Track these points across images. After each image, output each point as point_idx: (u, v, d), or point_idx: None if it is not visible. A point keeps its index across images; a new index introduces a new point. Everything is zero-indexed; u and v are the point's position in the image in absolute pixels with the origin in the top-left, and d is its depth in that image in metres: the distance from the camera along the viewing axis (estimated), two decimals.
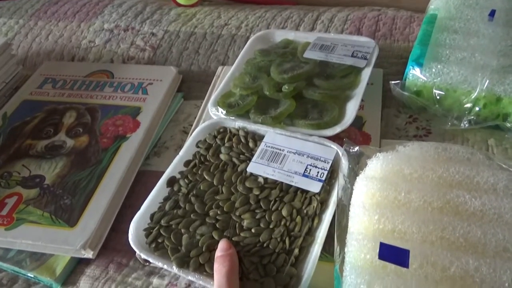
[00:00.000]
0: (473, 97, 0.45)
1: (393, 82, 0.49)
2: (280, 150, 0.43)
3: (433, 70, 0.47)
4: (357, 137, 0.47)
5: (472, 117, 0.46)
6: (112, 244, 0.44)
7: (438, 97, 0.46)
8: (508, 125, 0.44)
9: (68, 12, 0.79)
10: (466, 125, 0.46)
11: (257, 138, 0.46)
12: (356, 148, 0.40)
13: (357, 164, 0.39)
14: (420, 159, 0.36)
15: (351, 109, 0.46)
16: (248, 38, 0.67)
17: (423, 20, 0.65)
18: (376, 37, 0.62)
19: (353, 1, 0.82)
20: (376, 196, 0.34)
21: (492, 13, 0.50)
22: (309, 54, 0.53)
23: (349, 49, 0.52)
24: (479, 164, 0.35)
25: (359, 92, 0.47)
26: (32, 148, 0.52)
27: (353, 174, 0.38)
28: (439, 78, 0.46)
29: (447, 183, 0.34)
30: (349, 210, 0.36)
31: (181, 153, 0.47)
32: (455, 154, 0.36)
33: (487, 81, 0.44)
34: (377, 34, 0.63)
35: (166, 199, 0.43)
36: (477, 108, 0.46)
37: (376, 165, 0.37)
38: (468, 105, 0.45)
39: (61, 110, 0.57)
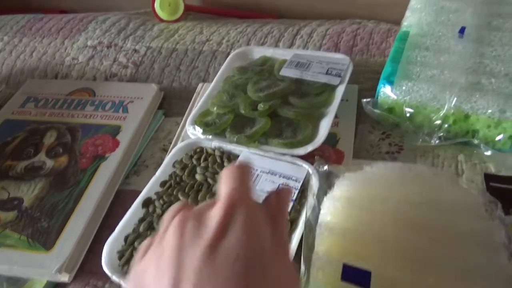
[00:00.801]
0: (442, 114, 0.46)
1: (365, 100, 0.50)
2: (254, 170, 0.44)
3: (404, 88, 0.47)
4: (330, 155, 0.48)
5: (442, 133, 0.47)
6: (89, 266, 0.45)
7: (408, 115, 0.47)
8: (476, 141, 0.45)
9: (53, 28, 0.79)
10: (437, 141, 0.47)
11: (233, 157, 0.47)
12: (326, 167, 0.40)
13: (326, 183, 0.39)
14: (385, 179, 0.37)
15: (324, 127, 0.47)
16: (228, 54, 0.67)
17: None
18: (353, 52, 0.63)
19: (334, 14, 0.84)
20: (341, 216, 0.35)
21: (462, 30, 0.51)
22: (285, 72, 0.54)
23: (324, 67, 0.53)
24: (442, 185, 0.36)
25: (332, 110, 0.48)
26: (12, 169, 0.53)
27: (322, 193, 0.39)
28: (409, 96, 0.47)
29: (410, 204, 0.35)
30: (315, 230, 0.36)
31: (157, 173, 0.48)
32: (420, 174, 0.37)
33: (455, 98, 0.45)
34: (354, 49, 0.64)
35: (141, 220, 0.44)
36: (446, 125, 0.47)
37: (343, 185, 0.38)
38: (438, 122, 0.46)
39: (42, 130, 0.58)
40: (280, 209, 0.29)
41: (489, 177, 0.42)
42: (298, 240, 0.39)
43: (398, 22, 0.76)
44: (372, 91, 0.55)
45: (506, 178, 0.42)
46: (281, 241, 0.27)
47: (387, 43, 0.64)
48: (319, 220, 0.37)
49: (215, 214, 0.25)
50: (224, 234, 0.24)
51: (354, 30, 0.68)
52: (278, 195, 0.30)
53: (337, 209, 0.36)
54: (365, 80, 0.58)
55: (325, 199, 0.38)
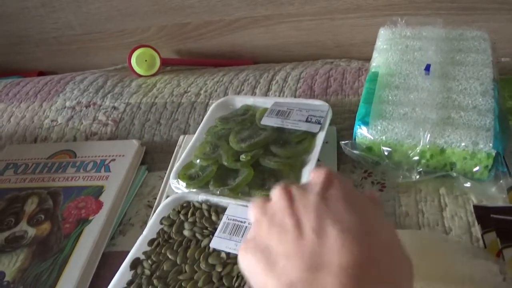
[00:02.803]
0: (418, 150, 0.47)
1: (343, 142, 0.51)
2: (242, 222, 0.44)
3: (379, 127, 0.49)
4: None
5: (421, 168, 0.48)
6: None
7: (387, 153, 0.48)
8: (455, 174, 0.46)
9: (30, 92, 0.80)
10: (417, 176, 0.48)
11: (220, 210, 0.47)
12: None
13: None
14: None
15: (306, 175, 0.47)
16: (207, 104, 0.69)
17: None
18: (328, 93, 0.65)
19: (306, 55, 0.87)
20: None
21: (427, 68, 0.53)
22: (266, 121, 0.55)
23: (304, 114, 0.55)
24: (454, 254, 0.36)
25: (313, 157, 0.49)
26: None
27: None
28: (385, 135, 0.48)
29: (420, 276, 0.34)
30: None
31: (145, 232, 0.47)
32: (431, 243, 0.36)
33: (429, 134, 0.47)
34: (328, 90, 0.66)
35: (129, 283, 0.43)
36: (424, 160, 0.48)
37: None
38: (416, 158, 0.47)
39: (22, 197, 0.57)
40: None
41: (479, 209, 0.42)
42: None
43: (368, 59, 0.79)
44: (350, 130, 0.56)
45: (499, 209, 0.42)
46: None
47: (359, 82, 0.66)
48: None
49: (317, 176, 0.30)
50: (328, 188, 0.29)
51: (327, 71, 0.71)
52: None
53: None
54: (343, 120, 0.60)
55: None
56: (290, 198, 0.29)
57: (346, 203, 0.28)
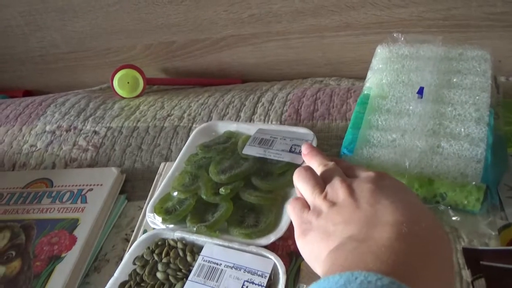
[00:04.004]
0: (405, 180, 0.44)
1: None
2: (217, 264, 0.41)
3: (365, 154, 0.46)
4: None
5: None
6: None
7: None
8: (442, 207, 0.44)
9: (11, 115, 0.77)
10: None
11: (196, 250, 0.44)
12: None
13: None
14: None
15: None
16: (190, 128, 0.66)
17: (359, 94, 0.66)
18: (315, 117, 0.63)
19: (296, 74, 0.85)
20: None
21: (420, 91, 0.51)
22: (248, 150, 0.53)
23: (288, 143, 0.52)
24: None
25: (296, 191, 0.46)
26: None
27: None
28: (371, 162, 0.46)
29: None
30: None
31: (116, 273, 0.45)
32: None
33: (415, 164, 0.44)
34: (315, 114, 0.63)
35: None
36: (413, 189, 0.45)
37: None
38: None
39: None
40: None
41: (469, 252, 0.39)
42: None
43: (360, 78, 0.77)
44: (337, 157, 0.54)
45: (489, 253, 0.39)
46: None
47: (347, 105, 0.64)
48: None
49: (368, 174, 0.35)
50: (383, 178, 0.34)
51: (315, 93, 0.69)
52: None
53: None
54: (329, 147, 0.57)
55: None
56: (349, 186, 0.33)
57: (397, 190, 0.33)
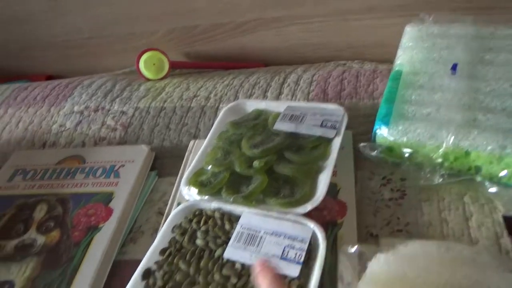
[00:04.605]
0: (441, 152, 0.45)
1: (362, 144, 0.49)
2: (257, 231, 0.42)
3: (400, 128, 0.47)
4: (333, 207, 0.47)
5: (445, 171, 0.46)
6: None
7: (407, 155, 0.47)
8: (480, 178, 0.44)
9: (38, 97, 0.79)
10: (440, 180, 0.46)
11: (233, 219, 0.45)
12: (355, 248, 0.38)
13: (358, 266, 0.37)
14: (423, 261, 0.34)
15: (323, 183, 0.45)
16: (217, 108, 0.67)
17: (385, 74, 0.67)
18: (342, 97, 0.63)
19: (318, 57, 0.85)
20: None
21: (454, 67, 0.51)
22: (279, 126, 0.53)
23: (318, 119, 0.53)
24: (486, 267, 0.34)
25: (330, 164, 0.47)
26: (1, 249, 0.50)
27: (354, 277, 0.37)
28: (406, 136, 0.46)
29: None
30: None
31: (156, 241, 0.46)
32: (459, 254, 0.35)
33: (453, 137, 0.45)
34: (342, 93, 0.64)
35: None
36: (447, 163, 0.46)
37: (377, 268, 0.35)
38: (439, 160, 0.45)
39: (31, 204, 0.55)
40: None
41: (509, 219, 0.40)
42: None
43: (382, 62, 0.77)
44: (365, 135, 0.55)
45: None
46: None
47: (374, 85, 0.64)
48: None
49: None
50: None
51: (340, 74, 0.69)
52: None
53: None
54: (358, 125, 0.58)
55: (359, 283, 0.35)
56: None
57: None
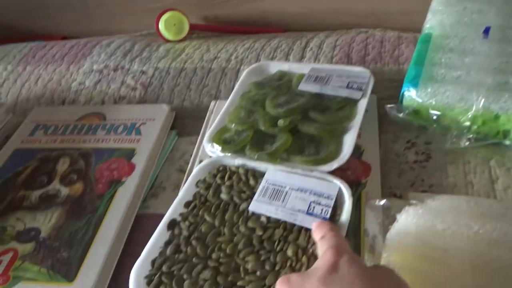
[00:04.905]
0: (470, 115, 0.45)
1: (388, 105, 0.49)
2: (282, 187, 0.42)
3: (429, 90, 0.46)
4: (357, 168, 0.47)
5: (472, 135, 0.46)
6: None
7: (435, 117, 0.46)
8: (508, 142, 0.44)
9: (57, 55, 0.78)
10: (467, 143, 0.45)
11: (258, 175, 0.45)
12: (383, 202, 0.38)
13: (386, 219, 0.37)
14: (453, 214, 0.35)
15: (348, 143, 0.45)
16: (238, 70, 0.67)
17: (411, 41, 0.65)
18: (366, 61, 0.62)
19: (339, 24, 0.83)
20: (410, 254, 0.33)
21: (486, 30, 0.50)
22: (304, 87, 0.53)
23: (344, 80, 0.52)
24: None
25: (356, 125, 0.47)
26: (25, 199, 0.51)
27: (382, 230, 0.37)
28: (435, 98, 0.46)
29: (484, 241, 0.33)
30: None
31: (180, 193, 0.46)
32: (488, 208, 0.35)
33: (483, 99, 0.44)
34: (367, 58, 0.63)
35: (167, 243, 0.42)
36: (475, 126, 0.45)
37: (407, 220, 0.36)
38: (467, 123, 0.45)
39: (54, 157, 0.56)
40: None
41: None
42: None
43: (405, 30, 0.76)
44: (390, 99, 0.54)
45: None
46: None
47: (399, 50, 0.63)
48: (383, 257, 0.35)
49: (322, 261, 0.29)
50: (336, 269, 0.27)
51: (364, 39, 0.68)
52: None
53: (404, 246, 0.34)
54: (382, 89, 0.57)
55: (388, 235, 0.36)
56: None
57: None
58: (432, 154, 0.48)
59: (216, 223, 0.42)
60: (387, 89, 0.57)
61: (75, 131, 0.60)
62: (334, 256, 0.28)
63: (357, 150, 0.48)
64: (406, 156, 0.48)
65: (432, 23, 0.55)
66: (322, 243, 0.31)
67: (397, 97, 0.54)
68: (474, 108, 0.44)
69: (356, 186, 0.45)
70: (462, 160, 0.46)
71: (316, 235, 0.35)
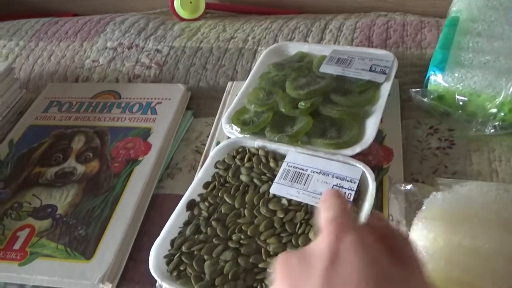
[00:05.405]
0: (497, 102, 0.43)
1: (413, 90, 0.48)
2: (304, 170, 0.42)
3: (456, 75, 0.45)
4: (378, 153, 0.46)
5: (498, 122, 0.44)
6: (131, 274, 0.42)
7: (461, 103, 0.45)
8: None
9: (69, 31, 0.77)
10: (491, 130, 0.44)
11: (278, 157, 0.45)
12: (409, 186, 0.38)
13: (413, 204, 0.37)
14: (481, 201, 0.34)
15: (371, 127, 0.44)
16: (256, 51, 0.65)
17: (433, 25, 0.64)
18: (388, 45, 0.61)
19: (358, 7, 0.81)
20: (438, 240, 0.32)
21: None
22: (325, 69, 0.52)
23: (367, 63, 0.51)
24: None
25: (379, 109, 0.46)
26: (41, 176, 0.50)
27: (409, 215, 0.36)
28: (462, 83, 0.45)
29: None
30: None
31: (199, 174, 0.45)
32: None
33: (511, 86, 0.43)
34: (388, 42, 0.61)
35: (186, 223, 0.41)
36: (502, 114, 0.44)
37: (434, 206, 0.35)
38: (493, 110, 0.44)
39: (69, 135, 0.55)
40: (387, 228, 0.28)
41: None
42: None
43: (425, 15, 0.74)
44: (413, 84, 0.53)
45: None
46: (404, 260, 0.25)
47: (422, 35, 0.61)
48: None
49: (323, 243, 0.24)
50: (337, 259, 0.23)
51: (385, 22, 0.66)
52: (376, 215, 0.30)
53: (432, 232, 0.33)
54: (404, 74, 0.56)
55: (415, 220, 0.35)
56: (288, 273, 0.25)
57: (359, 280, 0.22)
58: (455, 141, 0.47)
59: (236, 204, 0.41)
60: (410, 73, 0.56)
61: (90, 109, 0.59)
62: (335, 237, 0.24)
63: (379, 135, 0.47)
64: (428, 143, 0.47)
65: (459, 6, 0.53)
66: (324, 211, 0.27)
67: (419, 82, 0.53)
68: (502, 95, 0.43)
69: (378, 171, 0.44)
70: (487, 148, 0.45)
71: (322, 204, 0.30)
